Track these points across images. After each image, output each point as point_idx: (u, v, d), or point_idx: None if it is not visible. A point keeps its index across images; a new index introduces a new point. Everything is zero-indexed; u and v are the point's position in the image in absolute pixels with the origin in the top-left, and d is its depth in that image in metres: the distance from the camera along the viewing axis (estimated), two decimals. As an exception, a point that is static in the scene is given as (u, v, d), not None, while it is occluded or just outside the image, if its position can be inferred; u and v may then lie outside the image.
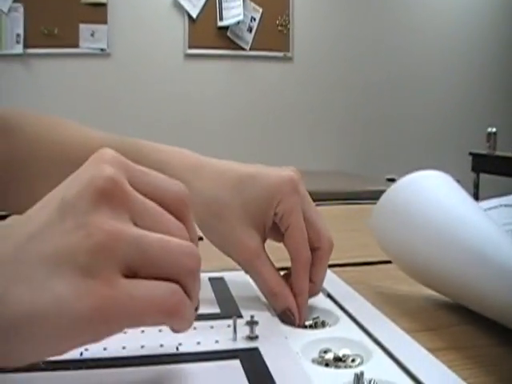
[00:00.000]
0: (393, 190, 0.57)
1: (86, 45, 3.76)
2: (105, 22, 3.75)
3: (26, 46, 3.65)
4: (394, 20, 4.15)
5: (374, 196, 0.65)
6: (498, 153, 3.59)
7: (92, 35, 3.75)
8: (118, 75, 3.82)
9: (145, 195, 0.37)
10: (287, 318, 0.52)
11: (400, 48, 4.17)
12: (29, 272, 0.33)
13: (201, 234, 0.88)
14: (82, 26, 3.72)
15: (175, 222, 0.38)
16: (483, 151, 3.65)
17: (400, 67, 4.18)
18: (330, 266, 0.57)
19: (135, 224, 0.36)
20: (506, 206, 0.56)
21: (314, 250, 0.54)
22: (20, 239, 0.34)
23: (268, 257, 0.54)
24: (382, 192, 0.60)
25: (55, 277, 0.33)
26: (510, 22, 4.36)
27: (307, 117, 4.03)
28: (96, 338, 0.34)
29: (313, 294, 0.55)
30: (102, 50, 3.79)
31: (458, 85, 4.27)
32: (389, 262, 0.76)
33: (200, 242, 0.43)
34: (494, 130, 3.58)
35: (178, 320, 0.36)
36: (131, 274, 0.34)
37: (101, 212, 0.34)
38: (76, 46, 3.74)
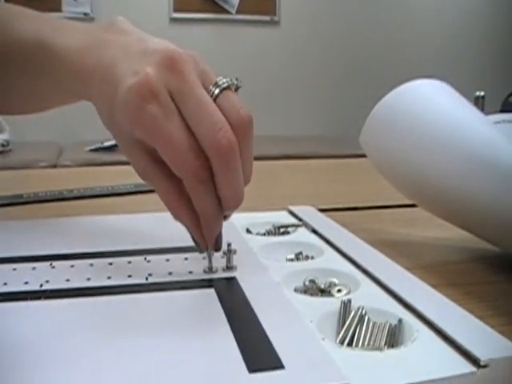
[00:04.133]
0: (387, 100, 0.52)
1: (68, 9, 3.67)
2: (88, -15, 3.66)
3: (6, 10, 3.56)
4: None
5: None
6: (487, 117, 3.55)
7: (75, -1, 3.66)
8: (102, 40, 3.74)
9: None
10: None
11: (389, 11, 4.11)
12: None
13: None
14: (64, -11, 3.63)
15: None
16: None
17: (389, 31, 4.12)
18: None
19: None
20: (509, 121, 0.52)
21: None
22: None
23: None
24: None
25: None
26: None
27: (294, 81, 3.97)
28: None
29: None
30: (85, 14, 3.69)
31: (445, 49, 4.23)
32: (377, 207, 0.73)
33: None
34: (482, 93, 3.54)
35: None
36: None
37: (159, 72, 0.40)
38: (58, 10, 3.64)
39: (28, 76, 0.58)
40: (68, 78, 0.50)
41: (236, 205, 0.41)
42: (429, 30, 4.19)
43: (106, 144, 2.52)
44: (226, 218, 0.42)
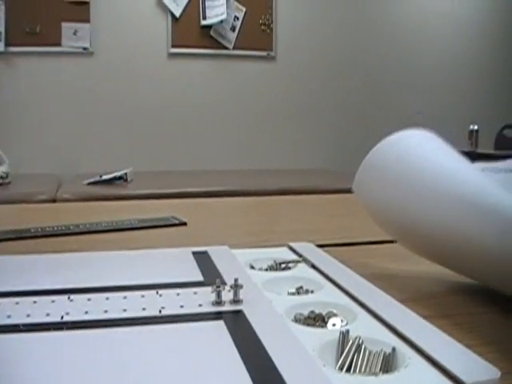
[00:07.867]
0: (378, 150, 0.56)
1: (68, 43, 3.74)
2: (87, 20, 3.73)
3: (7, 44, 3.62)
4: (379, 20, 4.16)
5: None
6: (480, 150, 3.62)
7: (74, 34, 3.73)
8: (101, 74, 3.80)
9: None
10: None
11: (384, 48, 4.18)
12: None
13: (184, 220, 0.88)
14: (64, 25, 3.70)
15: None
16: (465, 149, 3.68)
17: (384, 67, 4.19)
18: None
19: None
20: (491, 170, 0.55)
21: None
22: None
23: None
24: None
25: None
26: (496, 24, 4.40)
27: (291, 116, 4.04)
28: None
29: None
30: (84, 48, 3.76)
31: (440, 83, 4.30)
32: (372, 242, 0.77)
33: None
34: (476, 127, 3.61)
35: None
36: None
37: None
38: (58, 44, 3.71)
39: None
40: None
41: None
42: (425, 64, 4.26)
43: (105, 177, 2.55)
44: None
